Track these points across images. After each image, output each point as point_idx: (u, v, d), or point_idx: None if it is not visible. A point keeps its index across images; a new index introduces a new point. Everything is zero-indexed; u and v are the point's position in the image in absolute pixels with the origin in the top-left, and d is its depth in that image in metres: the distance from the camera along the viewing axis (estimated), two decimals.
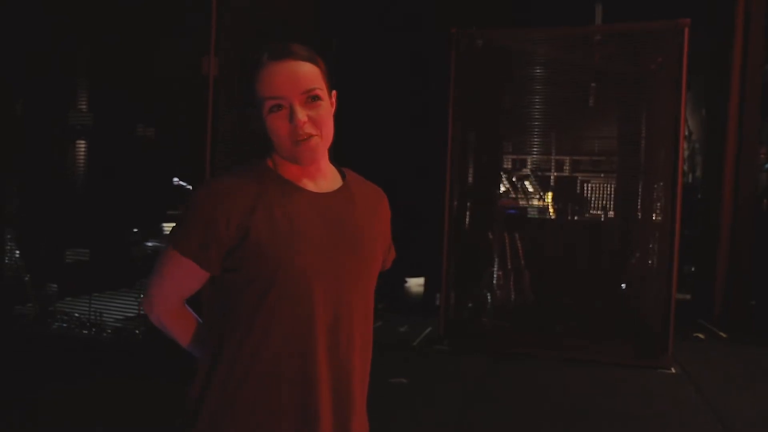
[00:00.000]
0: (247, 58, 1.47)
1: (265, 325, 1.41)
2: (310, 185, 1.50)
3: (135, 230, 6.18)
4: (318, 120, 1.44)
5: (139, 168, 6.04)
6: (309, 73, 1.44)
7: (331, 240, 1.46)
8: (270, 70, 1.42)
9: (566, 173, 7.98)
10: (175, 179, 5.52)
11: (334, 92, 1.52)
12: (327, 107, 1.47)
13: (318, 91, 1.44)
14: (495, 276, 6.60)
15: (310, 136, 1.43)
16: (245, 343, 1.41)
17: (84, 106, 6.72)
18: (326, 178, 1.54)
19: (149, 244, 6.12)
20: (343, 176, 1.59)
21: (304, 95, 1.43)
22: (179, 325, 1.56)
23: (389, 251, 1.71)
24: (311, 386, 1.42)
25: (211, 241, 1.41)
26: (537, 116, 6.46)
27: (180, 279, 1.48)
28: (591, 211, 7.80)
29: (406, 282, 8.36)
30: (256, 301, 1.41)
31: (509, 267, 6.59)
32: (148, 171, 5.96)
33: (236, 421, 1.41)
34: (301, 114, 1.41)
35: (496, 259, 6.62)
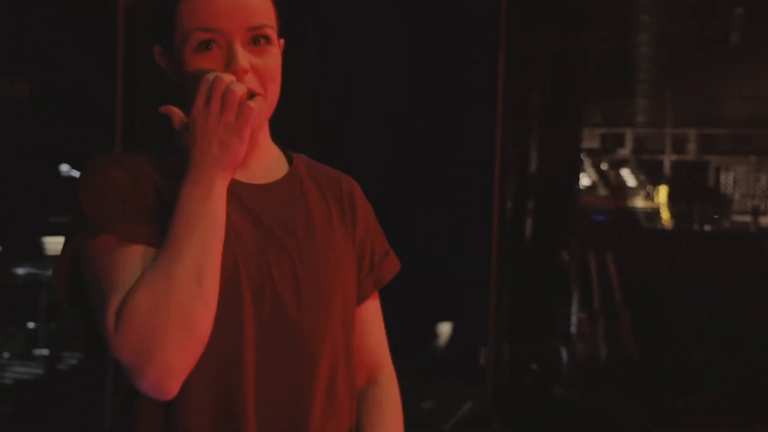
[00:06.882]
0: None
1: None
2: (239, 173, 1.22)
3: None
4: (264, 72, 1.18)
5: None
6: (259, 4, 1.18)
7: (266, 250, 1.22)
8: None
9: (690, 156, 6.60)
10: (65, 167, 4.30)
11: (281, 41, 1.26)
12: (278, 57, 1.22)
13: (268, 30, 1.18)
14: (574, 319, 5.49)
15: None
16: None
17: None
18: (265, 162, 1.29)
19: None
20: (291, 161, 1.34)
21: (250, 33, 1.17)
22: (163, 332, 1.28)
23: (384, 259, 1.40)
24: None
25: (137, 208, 1.17)
26: (642, 65, 5.36)
27: (129, 271, 1.15)
28: (734, 216, 6.78)
29: (432, 328, 6.92)
30: None
31: (597, 306, 5.47)
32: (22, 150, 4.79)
33: None
34: (243, 58, 1.15)
35: (576, 293, 5.45)
